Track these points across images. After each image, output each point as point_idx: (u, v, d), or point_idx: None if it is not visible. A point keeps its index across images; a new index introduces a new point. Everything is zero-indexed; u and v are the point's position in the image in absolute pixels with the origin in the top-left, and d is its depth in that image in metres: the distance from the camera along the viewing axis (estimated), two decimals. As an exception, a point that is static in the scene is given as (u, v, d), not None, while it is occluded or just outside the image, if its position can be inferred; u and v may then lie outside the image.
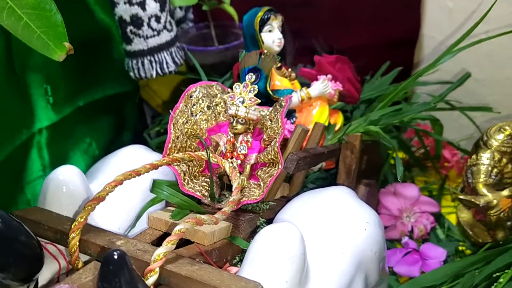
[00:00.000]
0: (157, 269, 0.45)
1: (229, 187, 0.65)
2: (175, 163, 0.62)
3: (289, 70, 0.86)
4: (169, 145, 0.63)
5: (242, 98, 0.67)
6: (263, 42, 0.82)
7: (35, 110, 0.83)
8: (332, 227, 0.57)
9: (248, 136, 0.67)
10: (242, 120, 0.66)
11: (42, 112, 0.84)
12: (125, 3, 0.89)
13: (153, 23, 0.92)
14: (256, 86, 0.67)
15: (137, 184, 0.61)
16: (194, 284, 0.44)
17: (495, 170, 0.74)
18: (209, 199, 0.62)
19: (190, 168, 0.64)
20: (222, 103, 0.69)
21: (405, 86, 0.82)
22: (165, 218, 0.59)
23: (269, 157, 0.63)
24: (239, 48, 1.05)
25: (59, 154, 0.88)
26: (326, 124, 0.82)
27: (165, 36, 0.94)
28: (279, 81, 0.83)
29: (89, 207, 0.52)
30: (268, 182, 0.61)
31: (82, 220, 0.51)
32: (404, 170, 0.98)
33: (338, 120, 0.85)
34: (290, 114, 0.82)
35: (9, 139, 0.79)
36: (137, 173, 0.57)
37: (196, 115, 0.67)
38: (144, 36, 0.92)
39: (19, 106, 0.81)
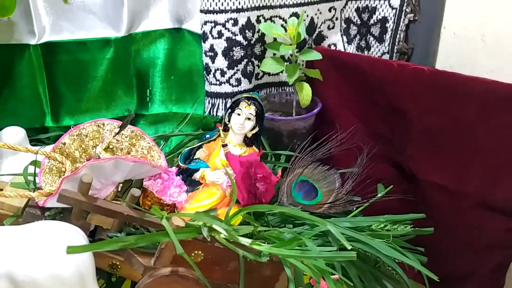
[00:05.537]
0: None
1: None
2: (48, 157, 0.89)
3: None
4: (57, 145, 0.90)
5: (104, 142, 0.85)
6: (228, 121, 0.92)
7: (137, 101, 1.20)
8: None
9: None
10: (97, 156, 0.85)
11: (140, 104, 1.21)
12: (204, 52, 1.12)
13: (218, 75, 1.11)
14: (111, 138, 0.84)
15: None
16: None
17: None
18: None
19: (56, 167, 0.89)
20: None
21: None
22: (8, 183, 0.88)
23: None
24: (297, 121, 1.09)
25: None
26: (207, 207, 0.87)
27: (225, 88, 1.12)
28: (217, 157, 0.91)
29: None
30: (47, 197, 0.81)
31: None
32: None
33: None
34: (195, 184, 0.90)
35: (109, 110, 1.19)
36: (13, 147, 0.89)
37: (88, 138, 0.89)
38: (209, 81, 1.13)
39: (126, 96, 1.19)
